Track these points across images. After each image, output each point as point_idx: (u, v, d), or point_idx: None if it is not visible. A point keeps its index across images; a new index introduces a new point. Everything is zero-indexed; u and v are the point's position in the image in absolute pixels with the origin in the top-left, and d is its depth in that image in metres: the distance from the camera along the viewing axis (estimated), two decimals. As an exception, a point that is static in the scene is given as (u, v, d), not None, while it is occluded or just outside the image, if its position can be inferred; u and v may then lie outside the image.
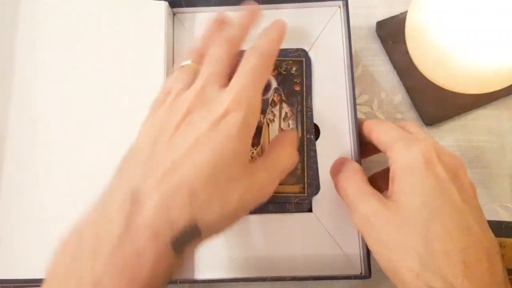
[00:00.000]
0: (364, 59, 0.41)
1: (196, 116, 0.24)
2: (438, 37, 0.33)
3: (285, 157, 0.27)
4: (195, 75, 0.27)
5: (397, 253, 0.24)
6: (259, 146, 0.34)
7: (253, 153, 0.34)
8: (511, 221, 0.34)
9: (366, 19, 0.42)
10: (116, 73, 0.35)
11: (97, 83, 0.35)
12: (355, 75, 0.40)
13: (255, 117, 0.26)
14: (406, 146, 0.26)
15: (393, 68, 0.40)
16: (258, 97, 0.26)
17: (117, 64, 0.35)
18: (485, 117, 0.39)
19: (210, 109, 0.24)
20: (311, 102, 0.35)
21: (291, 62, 0.36)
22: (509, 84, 0.34)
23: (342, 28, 0.36)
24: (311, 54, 0.36)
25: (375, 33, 0.41)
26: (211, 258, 0.33)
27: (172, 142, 0.24)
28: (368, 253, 0.31)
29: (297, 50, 0.36)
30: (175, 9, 0.37)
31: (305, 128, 0.35)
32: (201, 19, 0.37)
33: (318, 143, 0.35)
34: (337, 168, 0.31)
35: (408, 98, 0.40)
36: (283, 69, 0.36)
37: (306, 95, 0.35)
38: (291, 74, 0.36)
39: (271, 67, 0.27)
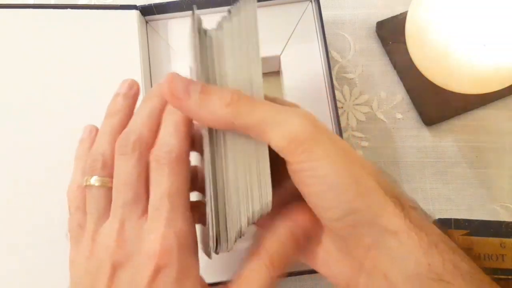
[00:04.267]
0: (364, 59, 0.41)
1: (124, 279, 0.21)
2: (438, 37, 0.33)
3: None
4: (107, 192, 0.23)
5: None
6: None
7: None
8: (511, 221, 0.34)
9: (366, 19, 0.42)
10: (92, 87, 0.34)
11: (74, 97, 0.34)
12: (355, 75, 0.40)
13: (191, 251, 0.22)
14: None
15: (393, 68, 0.40)
16: (187, 217, 0.22)
17: (93, 78, 0.34)
18: (485, 117, 0.39)
19: (138, 267, 0.21)
20: None
21: None
22: (509, 84, 0.34)
23: (315, 24, 0.36)
24: (284, 56, 0.36)
25: (375, 33, 0.41)
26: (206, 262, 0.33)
27: None
28: None
29: None
30: (147, 17, 0.37)
31: None
32: (174, 25, 0.37)
33: None
34: None
35: (408, 98, 0.40)
36: None
37: None
38: None
39: (187, 163, 0.23)
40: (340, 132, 0.33)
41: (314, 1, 0.36)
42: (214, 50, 0.22)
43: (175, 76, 0.22)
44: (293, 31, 0.37)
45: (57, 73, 0.34)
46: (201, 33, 0.22)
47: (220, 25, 0.22)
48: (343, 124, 0.39)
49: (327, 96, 0.35)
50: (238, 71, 0.23)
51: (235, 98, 0.21)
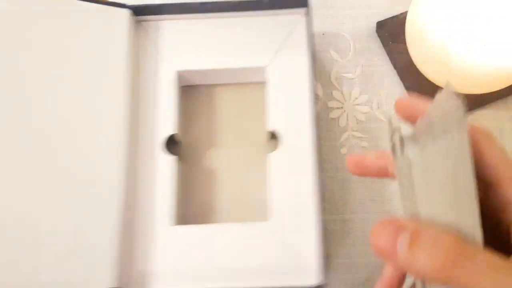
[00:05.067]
0: (364, 59, 0.41)
1: None
2: (438, 37, 0.33)
3: None
4: None
5: None
6: None
7: None
8: (511, 222, 0.34)
9: (366, 19, 0.42)
10: (76, 85, 0.33)
11: (56, 96, 0.33)
12: (355, 74, 0.40)
13: None
14: None
15: (393, 68, 0.40)
16: None
17: (77, 77, 0.33)
18: (485, 117, 0.39)
19: None
20: None
21: None
22: (509, 84, 0.34)
23: (306, 37, 0.36)
24: (271, 67, 0.36)
25: (375, 33, 0.41)
26: (169, 269, 0.31)
27: None
28: (325, 261, 0.30)
29: None
30: (138, 17, 0.36)
31: None
32: (166, 26, 0.37)
33: (276, 154, 0.34)
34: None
35: (408, 98, 0.40)
36: None
37: None
38: None
39: None
40: (318, 140, 0.33)
41: (306, 15, 0.36)
42: (413, 175, 0.18)
43: (382, 226, 0.19)
44: (283, 43, 0.36)
45: (37, 65, 0.33)
46: (401, 152, 0.18)
47: (417, 141, 0.18)
48: (343, 124, 0.39)
49: (309, 111, 0.34)
50: (440, 210, 0.18)
51: (450, 259, 0.17)
